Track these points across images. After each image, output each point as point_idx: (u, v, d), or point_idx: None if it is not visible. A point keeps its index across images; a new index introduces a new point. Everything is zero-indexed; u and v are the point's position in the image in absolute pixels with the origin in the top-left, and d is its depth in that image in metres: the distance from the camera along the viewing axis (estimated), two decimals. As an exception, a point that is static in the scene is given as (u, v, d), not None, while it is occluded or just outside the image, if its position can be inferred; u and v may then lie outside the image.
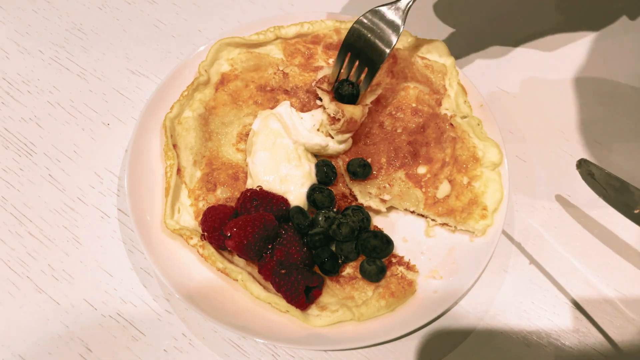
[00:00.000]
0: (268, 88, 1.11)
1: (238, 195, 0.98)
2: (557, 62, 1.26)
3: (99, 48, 1.26)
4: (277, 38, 1.14)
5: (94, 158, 1.12)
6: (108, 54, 1.25)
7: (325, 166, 1.00)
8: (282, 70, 1.12)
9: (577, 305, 0.99)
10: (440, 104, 1.09)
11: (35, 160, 1.11)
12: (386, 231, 0.99)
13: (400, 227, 1.02)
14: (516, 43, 1.28)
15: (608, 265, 1.02)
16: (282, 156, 0.98)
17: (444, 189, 1.01)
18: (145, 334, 0.95)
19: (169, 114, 1.04)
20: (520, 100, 1.20)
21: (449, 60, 1.10)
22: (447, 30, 1.29)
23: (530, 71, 1.25)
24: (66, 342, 0.94)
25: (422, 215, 1.02)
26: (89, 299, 0.98)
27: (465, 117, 1.07)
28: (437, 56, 1.12)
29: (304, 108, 1.09)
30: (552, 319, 0.98)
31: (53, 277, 0.99)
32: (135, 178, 0.98)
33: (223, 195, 0.99)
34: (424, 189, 1.02)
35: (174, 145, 1.02)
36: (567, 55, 1.27)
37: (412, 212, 1.03)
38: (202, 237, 0.92)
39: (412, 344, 0.95)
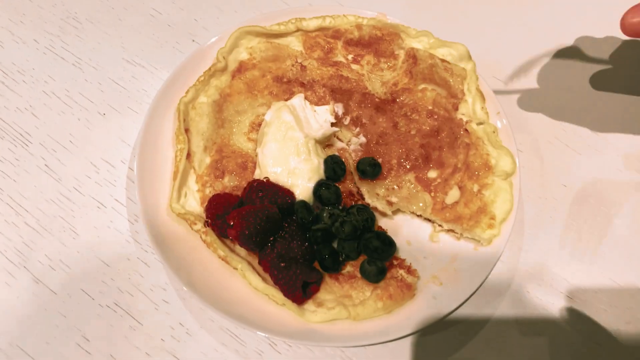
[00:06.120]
0: (285, 79, 1.10)
1: (245, 185, 0.98)
2: (553, 55, 1.26)
3: (94, 37, 1.25)
4: (297, 30, 1.13)
5: (90, 148, 1.11)
6: (103, 43, 1.24)
7: (334, 163, 0.99)
8: (301, 63, 1.12)
9: (573, 296, 1.00)
10: (457, 109, 1.07)
11: (31, 151, 1.11)
12: (390, 233, 0.98)
13: (405, 230, 1.01)
14: (516, 39, 1.28)
15: (603, 255, 1.03)
16: (291, 149, 0.98)
17: (453, 195, 1.00)
18: (142, 324, 0.96)
19: (184, 98, 1.04)
20: (518, 91, 1.21)
21: (469, 65, 1.09)
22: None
23: (527, 62, 1.25)
24: (63, 331, 0.94)
25: (429, 220, 1.01)
26: (86, 288, 0.98)
27: (481, 123, 1.05)
28: (457, 59, 1.10)
29: (319, 102, 1.08)
30: (549, 309, 0.99)
31: (50, 267, 0.99)
32: (144, 162, 0.98)
33: (230, 183, 0.99)
34: (432, 194, 1.01)
35: (186, 130, 1.02)
36: (565, 49, 1.27)
37: (419, 216, 1.02)
38: (206, 223, 0.93)
39: (407, 342, 0.95)
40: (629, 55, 1.24)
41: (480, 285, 0.91)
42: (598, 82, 1.22)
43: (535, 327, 0.97)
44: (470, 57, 1.09)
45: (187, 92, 1.05)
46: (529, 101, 1.20)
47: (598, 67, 1.24)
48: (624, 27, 0.96)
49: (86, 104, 1.16)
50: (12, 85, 1.18)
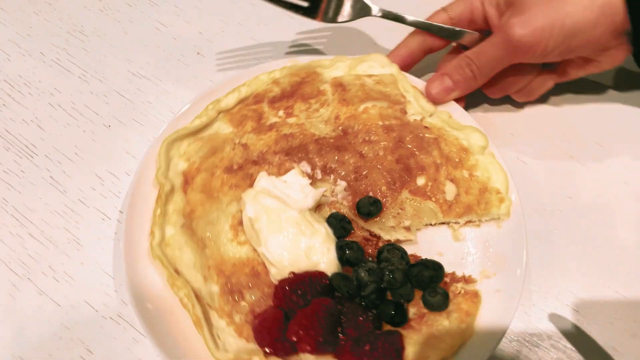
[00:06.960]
0: (235, 167, 1.02)
1: (268, 292, 0.89)
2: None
3: (100, 50, 1.28)
4: (219, 113, 1.05)
5: (95, 160, 1.13)
6: (109, 56, 1.27)
7: (338, 220, 0.95)
8: (239, 143, 1.04)
9: (579, 307, 0.98)
10: (405, 112, 1.08)
11: (36, 162, 1.12)
12: (416, 253, 0.96)
13: (428, 244, 0.99)
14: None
15: (609, 267, 1.01)
16: (294, 231, 0.91)
17: (450, 190, 1.01)
18: (146, 336, 0.89)
19: (153, 241, 0.91)
20: (520, 103, 1.17)
21: (393, 68, 1.10)
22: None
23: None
24: (67, 343, 0.94)
25: (443, 223, 1.01)
26: (89, 300, 0.97)
27: (432, 114, 1.07)
28: (380, 69, 1.10)
29: (280, 171, 1.01)
30: (554, 320, 0.97)
31: (54, 278, 0.99)
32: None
33: (253, 298, 0.89)
34: (433, 198, 1.01)
35: (176, 271, 0.90)
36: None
37: (432, 225, 1.01)
38: (265, 353, 0.83)
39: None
40: (634, 67, 1.14)
41: (527, 258, 0.91)
42: (603, 92, 1.20)
43: (541, 339, 0.95)
44: (390, 62, 1.10)
45: (152, 234, 0.92)
46: (532, 113, 1.18)
47: (602, 79, 1.21)
48: (429, 97, 1.06)
49: (91, 116, 1.18)
50: (18, 98, 1.20)
